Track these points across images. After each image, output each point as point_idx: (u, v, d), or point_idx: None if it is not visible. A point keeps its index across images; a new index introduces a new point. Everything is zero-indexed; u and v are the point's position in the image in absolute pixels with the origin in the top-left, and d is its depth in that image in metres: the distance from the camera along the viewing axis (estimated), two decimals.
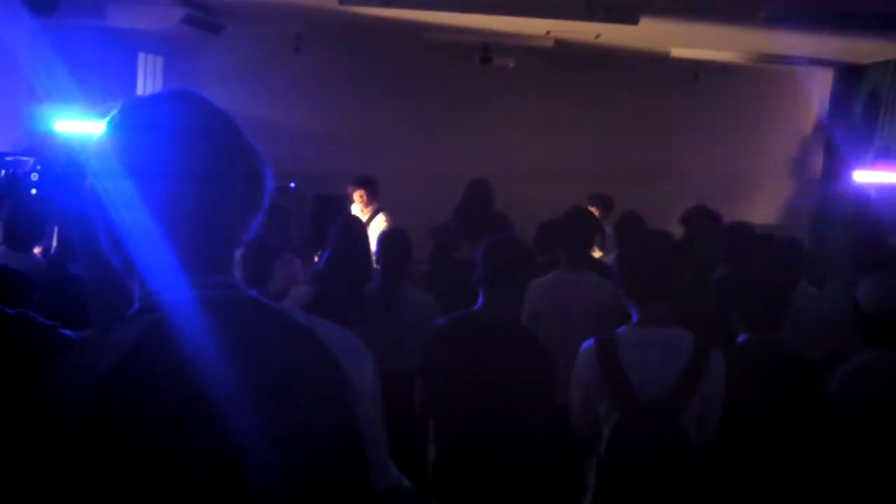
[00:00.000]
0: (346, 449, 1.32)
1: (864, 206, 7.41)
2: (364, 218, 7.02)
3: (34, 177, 1.78)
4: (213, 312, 1.28)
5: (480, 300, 3.47)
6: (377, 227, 6.83)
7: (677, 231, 5.12)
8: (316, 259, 5.34)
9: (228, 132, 1.35)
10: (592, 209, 6.85)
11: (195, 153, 1.30)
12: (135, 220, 1.28)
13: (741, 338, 3.58)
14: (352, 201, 7.27)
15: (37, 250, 4.90)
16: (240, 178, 1.33)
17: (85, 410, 1.16)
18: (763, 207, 9.23)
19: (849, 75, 9.16)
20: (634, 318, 3.19)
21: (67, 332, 1.90)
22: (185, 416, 1.19)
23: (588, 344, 3.19)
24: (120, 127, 1.32)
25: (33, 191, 1.80)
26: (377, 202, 7.26)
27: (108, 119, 1.33)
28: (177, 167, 1.28)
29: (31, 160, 1.84)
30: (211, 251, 1.33)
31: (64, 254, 4.71)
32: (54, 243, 5.01)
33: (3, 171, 2.16)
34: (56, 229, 4.81)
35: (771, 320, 3.53)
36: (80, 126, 6.21)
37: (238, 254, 1.39)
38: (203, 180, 1.29)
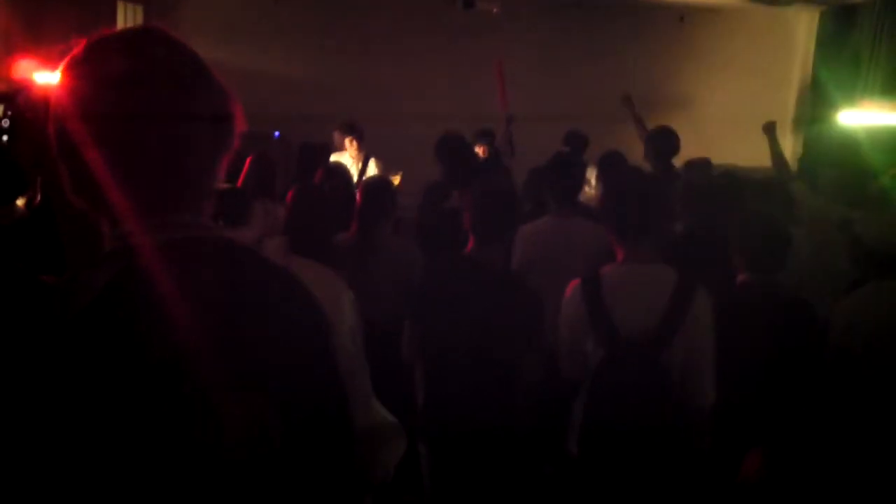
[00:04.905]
0: (327, 387, 1.31)
1: (852, 146, 7.41)
2: (358, 165, 7.03)
3: (5, 123, 1.74)
4: (183, 254, 1.26)
5: (470, 245, 3.47)
6: (371, 173, 6.88)
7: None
8: None
9: (191, 71, 1.31)
10: (567, 148, 6.84)
11: (156, 94, 1.25)
12: (101, 164, 1.24)
13: (741, 278, 3.59)
14: (337, 149, 7.25)
15: (20, 202, 4.84)
16: (207, 118, 1.30)
17: (54, 358, 1.14)
18: (749, 149, 9.20)
19: (837, 16, 9.10)
20: (620, 256, 3.18)
21: (45, 277, 1.88)
22: (159, 360, 1.17)
23: (574, 283, 3.19)
24: (82, 69, 1.28)
25: (4, 137, 1.76)
26: (365, 149, 7.25)
27: (68, 60, 1.29)
28: (141, 109, 1.24)
29: (1, 107, 1.81)
30: (178, 192, 1.30)
31: (48, 204, 4.66)
32: (39, 195, 4.97)
33: None
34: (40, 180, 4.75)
35: (773, 262, 3.54)
36: (57, 76, 6.13)
37: (209, 194, 1.36)
38: (165, 121, 1.25)
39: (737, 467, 3.50)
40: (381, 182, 4.69)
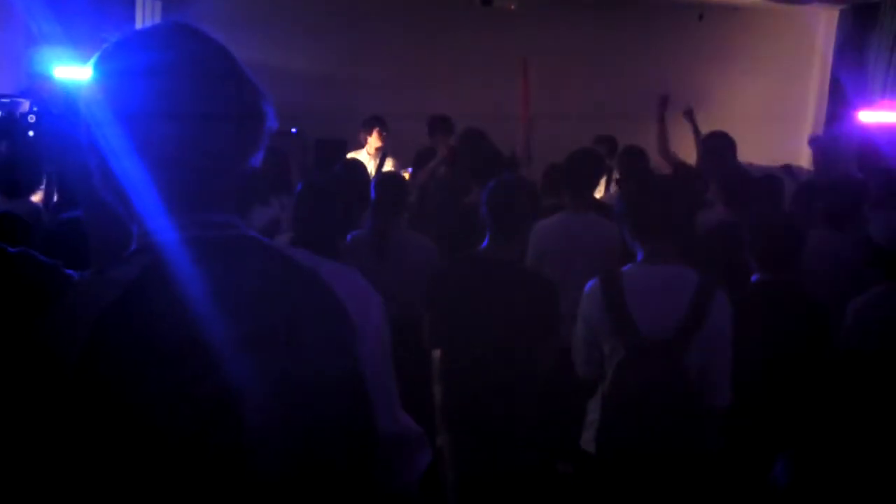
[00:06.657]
0: (349, 393, 1.29)
1: (870, 146, 7.38)
2: (375, 162, 7.03)
3: (31, 118, 1.74)
4: (211, 252, 1.25)
5: (486, 240, 3.48)
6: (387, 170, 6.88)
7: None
8: None
9: (224, 69, 1.29)
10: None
11: (187, 92, 1.24)
12: (129, 161, 1.23)
13: (754, 277, 3.58)
14: (360, 144, 7.26)
15: (36, 198, 4.85)
16: (236, 116, 1.28)
17: (79, 352, 1.13)
18: (767, 149, 9.17)
19: (856, 14, 9.05)
20: (639, 256, 3.17)
21: (70, 271, 1.89)
22: (183, 359, 1.16)
23: (593, 282, 3.17)
24: (110, 65, 1.26)
25: (30, 132, 1.76)
26: (384, 146, 7.26)
27: (98, 56, 1.28)
28: (169, 107, 1.23)
29: (27, 102, 1.80)
30: (208, 190, 1.29)
31: (65, 200, 4.65)
32: (55, 191, 4.97)
33: (0, 112, 2.12)
34: (55, 176, 4.75)
35: (787, 261, 3.53)
36: (77, 70, 6.15)
37: (237, 192, 1.35)
38: (197, 119, 1.24)
39: (750, 468, 3.49)
40: (394, 177, 4.70)
